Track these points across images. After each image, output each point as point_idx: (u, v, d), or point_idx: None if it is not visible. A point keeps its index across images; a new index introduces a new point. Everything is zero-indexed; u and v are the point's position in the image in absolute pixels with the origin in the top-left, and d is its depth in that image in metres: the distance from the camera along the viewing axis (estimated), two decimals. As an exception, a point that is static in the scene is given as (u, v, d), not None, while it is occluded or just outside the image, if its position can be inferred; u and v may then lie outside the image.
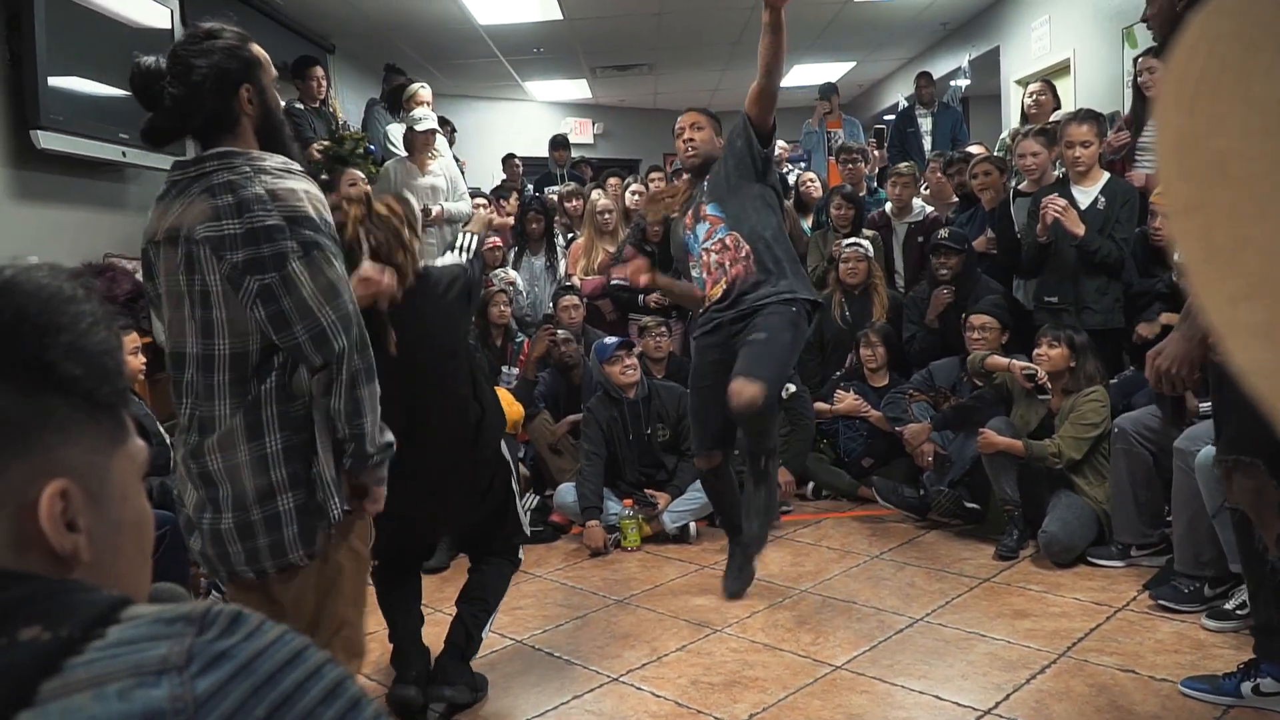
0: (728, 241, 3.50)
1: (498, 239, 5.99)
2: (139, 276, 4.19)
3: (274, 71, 2.01)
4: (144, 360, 3.62)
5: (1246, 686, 2.62)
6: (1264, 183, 0.31)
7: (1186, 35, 0.34)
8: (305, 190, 1.85)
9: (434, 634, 2.95)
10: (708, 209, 3.57)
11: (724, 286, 3.48)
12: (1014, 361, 4.02)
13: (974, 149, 6.44)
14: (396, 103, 6.68)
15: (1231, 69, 0.32)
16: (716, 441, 3.63)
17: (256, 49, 1.95)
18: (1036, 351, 4.01)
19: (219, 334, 1.83)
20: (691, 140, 3.61)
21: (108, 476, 0.73)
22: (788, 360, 3.48)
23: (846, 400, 4.96)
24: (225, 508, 1.85)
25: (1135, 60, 5.62)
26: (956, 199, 5.80)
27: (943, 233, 4.97)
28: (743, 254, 3.46)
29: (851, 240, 5.36)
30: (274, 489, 1.84)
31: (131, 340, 3.53)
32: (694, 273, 3.61)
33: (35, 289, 0.70)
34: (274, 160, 1.87)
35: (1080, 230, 4.13)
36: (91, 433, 0.72)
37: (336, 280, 1.82)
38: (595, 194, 6.14)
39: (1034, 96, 5.72)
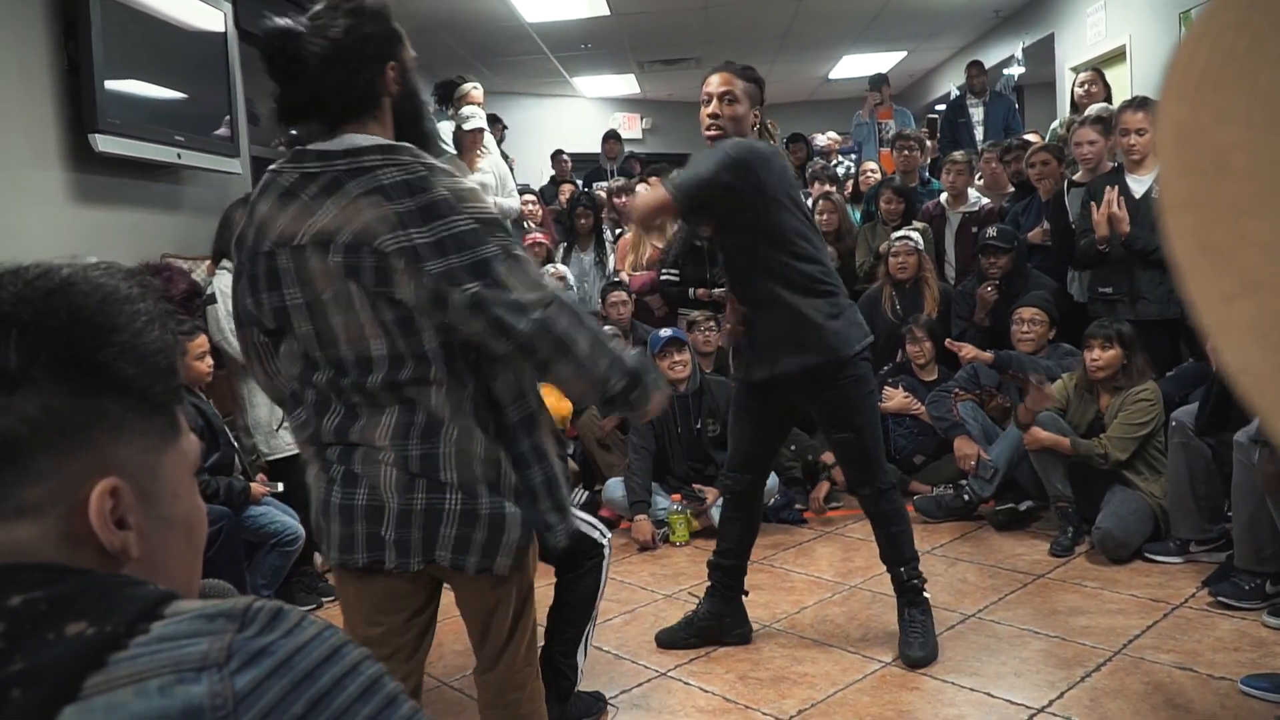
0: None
1: (541, 235, 6.02)
2: (195, 276, 4.30)
3: (413, 52, 1.79)
4: (210, 364, 3.66)
5: None
6: (1265, 176, 0.30)
7: (1192, 30, 0.34)
8: (474, 186, 1.71)
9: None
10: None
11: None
12: (1059, 440, 3.89)
13: (1031, 138, 6.34)
14: (447, 98, 6.73)
15: (1237, 59, 0.31)
16: (748, 463, 3.16)
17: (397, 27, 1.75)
18: (1089, 356, 3.92)
19: (416, 332, 1.66)
20: (718, 118, 2.82)
21: (159, 474, 0.74)
22: (878, 434, 3.07)
23: (896, 398, 4.91)
24: (451, 493, 1.71)
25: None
26: (1013, 187, 5.72)
27: (991, 231, 4.91)
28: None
29: (901, 234, 5.30)
30: (492, 483, 1.73)
31: (198, 345, 3.56)
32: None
33: (91, 289, 0.71)
34: (436, 159, 1.70)
35: (1126, 227, 4.08)
36: (144, 431, 0.73)
37: (535, 272, 1.67)
38: (642, 189, 6.13)
39: (1084, 86, 5.62)
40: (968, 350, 4.65)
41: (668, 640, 3.23)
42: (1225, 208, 0.31)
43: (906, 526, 3.09)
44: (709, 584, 3.25)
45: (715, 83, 2.84)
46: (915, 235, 5.28)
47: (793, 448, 4.73)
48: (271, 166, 1.75)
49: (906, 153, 6.35)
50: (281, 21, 1.62)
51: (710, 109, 2.82)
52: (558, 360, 1.67)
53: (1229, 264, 0.30)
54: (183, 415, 0.79)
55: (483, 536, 1.72)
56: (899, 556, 3.08)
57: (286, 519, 3.69)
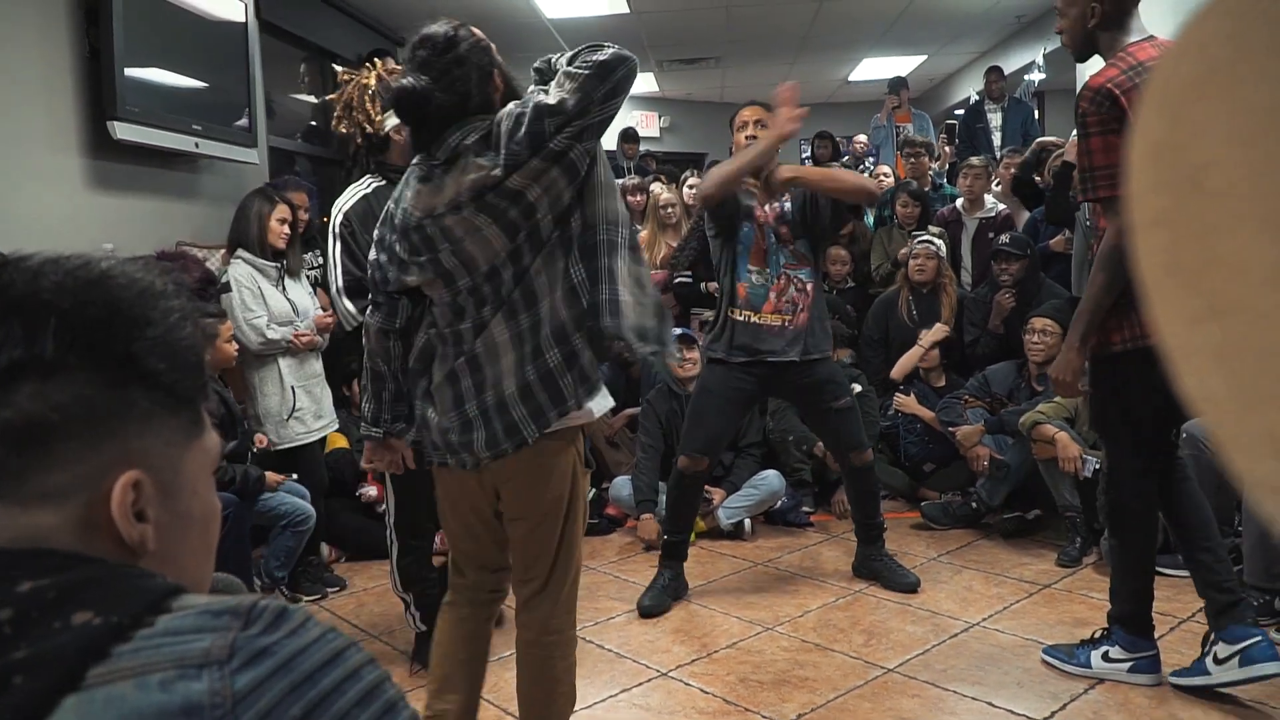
0: (809, 289, 3.53)
1: None
2: (210, 265, 4.31)
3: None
4: (237, 347, 3.68)
5: (1096, 655, 2.80)
6: (1240, 195, 0.29)
7: (1178, 40, 0.33)
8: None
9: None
10: (799, 244, 3.52)
11: (781, 324, 3.49)
12: (1059, 435, 3.89)
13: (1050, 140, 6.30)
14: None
15: (1222, 72, 0.30)
16: (710, 446, 3.65)
17: (480, 34, 2.15)
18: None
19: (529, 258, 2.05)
20: (755, 138, 3.48)
21: (181, 469, 0.75)
22: None
23: (909, 402, 4.88)
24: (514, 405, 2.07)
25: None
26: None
27: (1004, 238, 4.90)
28: (810, 304, 3.51)
29: (924, 238, 5.27)
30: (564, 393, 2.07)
31: (227, 328, 3.61)
32: (754, 277, 3.51)
33: (129, 282, 0.72)
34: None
35: None
36: (170, 426, 0.74)
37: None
38: (657, 188, 6.12)
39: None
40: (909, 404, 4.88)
41: (653, 607, 3.53)
42: (1198, 227, 0.30)
43: None
44: (664, 556, 3.70)
45: (749, 114, 3.53)
46: (937, 241, 5.25)
47: (805, 447, 4.72)
48: (414, 161, 2.15)
49: (914, 160, 6.33)
50: (407, 84, 2.04)
51: (749, 132, 3.49)
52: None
53: (1197, 286, 0.30)
54: (207, 413, 0.79)
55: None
56: (878, 506, 3.78)
57: (296, 500, 3.72)
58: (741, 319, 3.52)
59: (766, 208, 3.53)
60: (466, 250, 2.06)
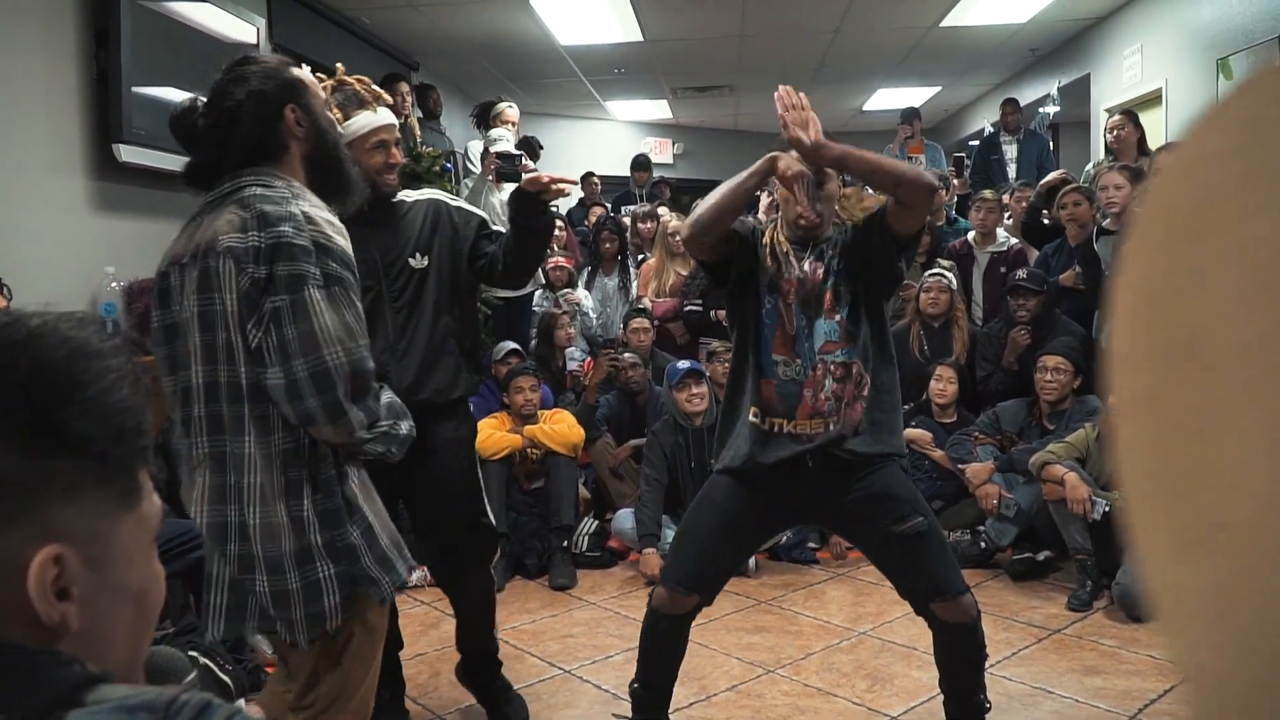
0: (852, 370, 2.44)
1: (563, 259, 5.98)
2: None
3: (323, 96, 1.89)
4: None
5: None
6: (1239, 375, 0.22)
7: (1179, 149, 0.25)
8: (337, 226, 1.73)
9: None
10: (842, 312, 2.45)
11: (825, 429, 2.41)
12: (1068, 475, 3.82)
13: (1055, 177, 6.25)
14: (485, 119, 6.73)
15: (1225, 201, 0.23)
16: (703, 580, 2.52)
17: (301, 73, 1.84)
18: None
19: (236, 360, 1.65)
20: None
21: (112, 541, 0.70)
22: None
23: (918, 436, 4.81)
24: (259, 569, 1.65)
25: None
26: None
27: (1021, 273, 4.84)
28: (865, 392, 2.45)
29: (936, 270, 5.21)
30: (312, 554, 1.67)
31: None
32: (782, 369, 2.43)
33: (58, 342, 0.67)
34: (312, 195, 1.75)
35: None
36: (98, 496, 0.69)
37: (353, 323, 1.67)
38: (666, 215, 6.09)
39: (1114, 132, 5.53)
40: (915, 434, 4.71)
41: None
42: (1191, 415, 0.23)
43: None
44: (634, 708, 2.66)
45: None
46: (949, 274, 5.19)
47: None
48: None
49: None
50: (181, 102, 1.81)
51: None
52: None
53: (1186, 499, 0.22)
54: (146, 478, 0.74)
55: (302, 615, 1.69)
56: (980, 678, 2.58)
57: None
58: (766, 427, 2.44)
59: (805, 266, 2.46)
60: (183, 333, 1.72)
